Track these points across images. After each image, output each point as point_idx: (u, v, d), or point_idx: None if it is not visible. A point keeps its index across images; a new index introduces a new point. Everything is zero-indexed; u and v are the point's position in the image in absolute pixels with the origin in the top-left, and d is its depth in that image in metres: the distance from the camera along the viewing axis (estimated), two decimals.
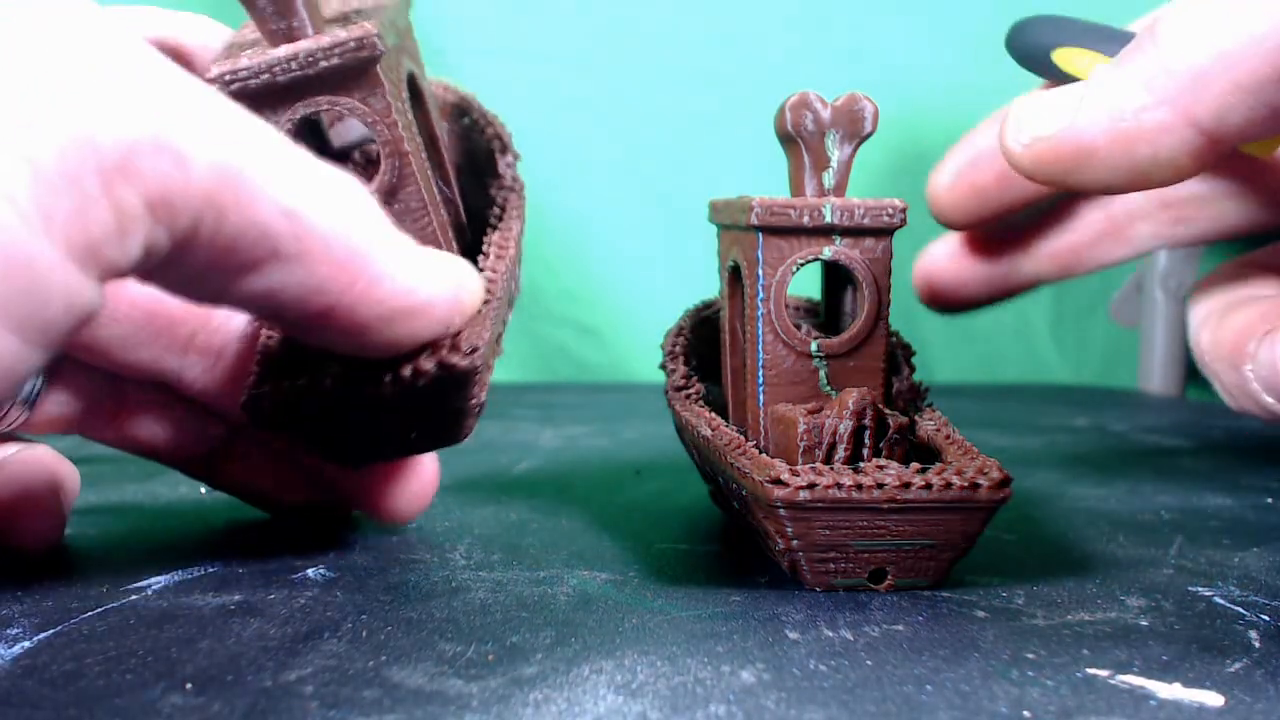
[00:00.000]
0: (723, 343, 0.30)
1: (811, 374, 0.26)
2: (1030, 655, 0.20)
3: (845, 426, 0.24)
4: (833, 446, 0.24)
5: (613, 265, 0.65)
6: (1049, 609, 0.23)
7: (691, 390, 0.30)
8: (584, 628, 0.21)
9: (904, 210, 0.26)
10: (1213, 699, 0.18)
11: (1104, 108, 0.25)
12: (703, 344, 0.32)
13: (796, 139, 0.26)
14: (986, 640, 0.21)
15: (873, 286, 0.26)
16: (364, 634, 0.21)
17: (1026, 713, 0.17)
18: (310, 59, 0.23)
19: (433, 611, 0.22)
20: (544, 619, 0.22)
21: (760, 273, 0.26)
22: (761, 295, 0.26)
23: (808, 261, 0.26)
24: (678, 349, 0.31)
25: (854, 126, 0.26)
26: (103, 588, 0.24)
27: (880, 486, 0.22)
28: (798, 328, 0.27)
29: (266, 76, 0.23)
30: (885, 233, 0.26)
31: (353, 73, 0.23)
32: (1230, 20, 0.23)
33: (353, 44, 0.23)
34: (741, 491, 0.24)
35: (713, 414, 0.27)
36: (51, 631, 0.21)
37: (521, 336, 0.66)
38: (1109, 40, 0.30)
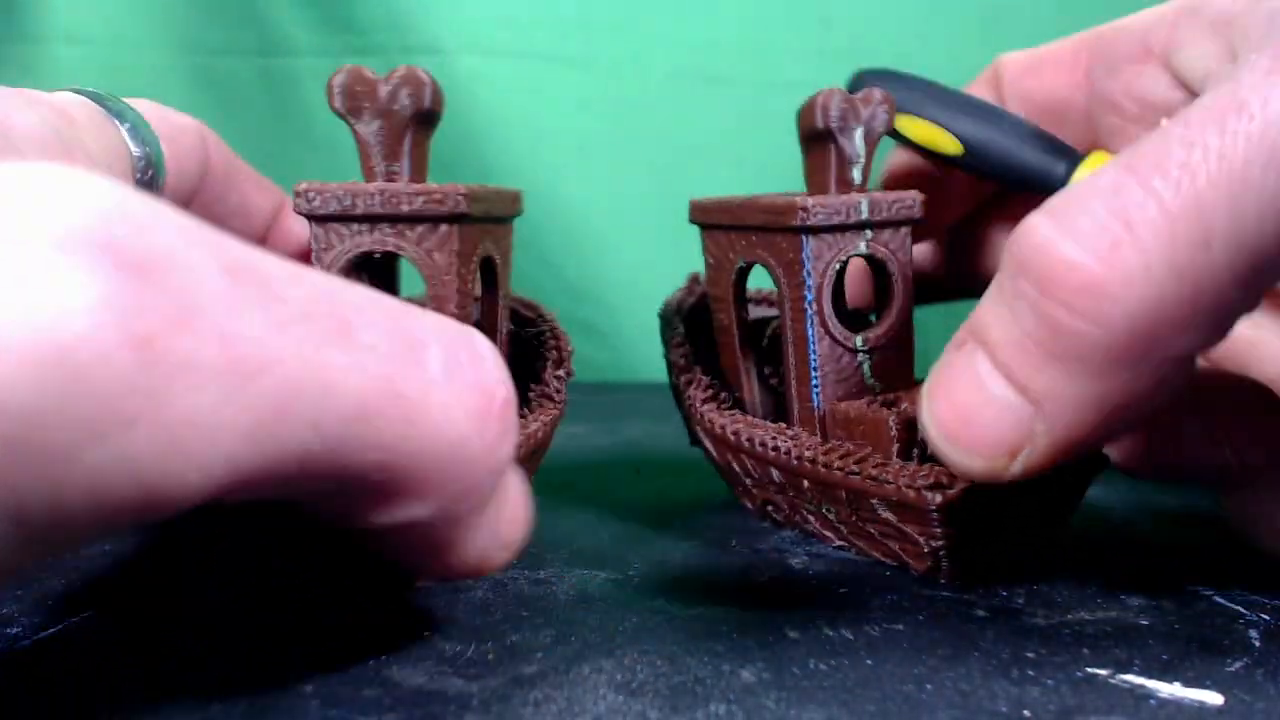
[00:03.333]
0: (721, 344, 0.30)
1: (856, 369, 0.27)
2: (1030, 654, 0.20)
3: None
4: (924, 442, 0.24)
5: (614, 263, 0.65)
6: (1049, 608, 0.23)
7: (719, 398, 0.29)
8: (584, 627, 0.21)
9: (924, 201, 0.27)
10: (1213, 698, 0.18)
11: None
12: (697, 340, 0.32)
13: (824, 136, 0.26)
14: (986, 639, 0.21)
15: (904, 278, 0.27)
16: (364, 632, 0.21)
17: (1026, 712, 0.17)
18: (394, 198, 0.24)
19: (433, 610, 0.22)
20: (544, 618, 0.22)
21: (809, 273, 0.26)
22: (811, 296, 0.26)
23: (848, 258, 0.26)
24: (686, 358, 0.31)
25: (876, 123, 0.26)
26: (103, 587, 0.24)
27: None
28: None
29: (348, 203, 0.24)
30: (907, 224, 0.27)
31: (428, 224, 0.24)
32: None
33: (438, 195, 0.24)
34: (855, 500, 0.25)
35: (763, 420, 0.28)
36: (51, 631, 0.21)
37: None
38: (951, 107, 0.30)
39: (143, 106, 0.27)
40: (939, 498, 0.23)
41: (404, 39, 0.61)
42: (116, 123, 0.26)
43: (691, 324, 0.32)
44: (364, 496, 0.16)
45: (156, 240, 0.13)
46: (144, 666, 0.19)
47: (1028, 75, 0.31)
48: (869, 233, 0.26)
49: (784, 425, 0.27)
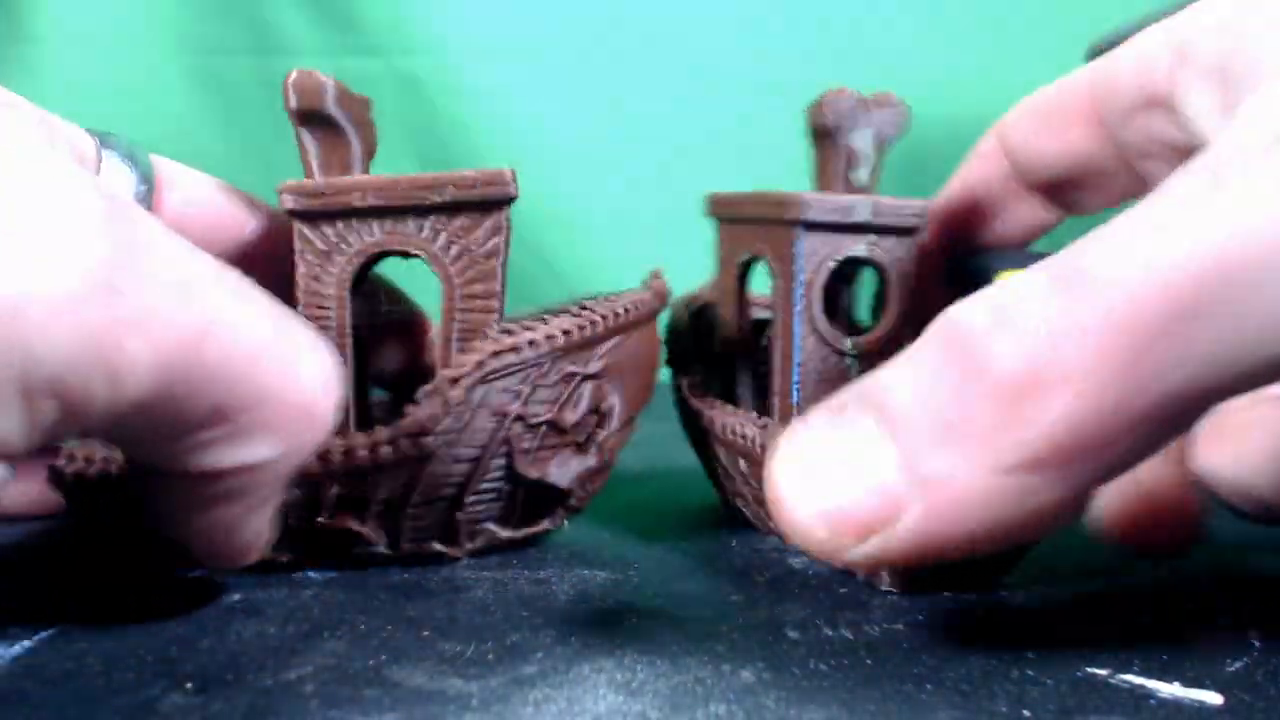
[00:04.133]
0: (721, 339, 0.30)
1: (842, 372, 0.27)
2: (1030, 654, 0.20)
3: None
4: None
5: (613, 263, 0.65)
6: (1048, 608, 0.23)
7: (708, 388, 0.30)
8: (584, 627, 0.21)
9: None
10: (1212, 698, 0.18)
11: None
12: (700, 337, 0.32)
13: (832, 134, 0.26)
14: (986, 639, 0.21)
15: (900, 284, 0.27)
16: (364, 633, 0.21)
17: (1026, 712, 0.17)
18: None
19: (433, 610, 0.22)
20: (544, 618, 0.22)
21: (800, 269, 0.26)
22: (800, 291, 0.26)
23: (843, 259, 0.26)
24: (685, 344, 0.31)
25: (887, 126, 0.26)
26: (104, 586, 0.24)
27: None
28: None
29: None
30: (911, 232, 0.27)
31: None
32: None
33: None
34: None
35: (748, 411, 0.27)
36: (52, 630, 0.21)
37: None
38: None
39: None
40: None
41: (404, 39, 0.61)
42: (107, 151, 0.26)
43: (699, 323, 0.32)
44: (223, 435, 0.18)
45: (122, 196, 0.18)
46: (144, 665, 0.19)
47: (1041, 136, 0.28)
48: (872, 236, 0.26)
49: (758, 416, 0.27)
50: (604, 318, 0.25)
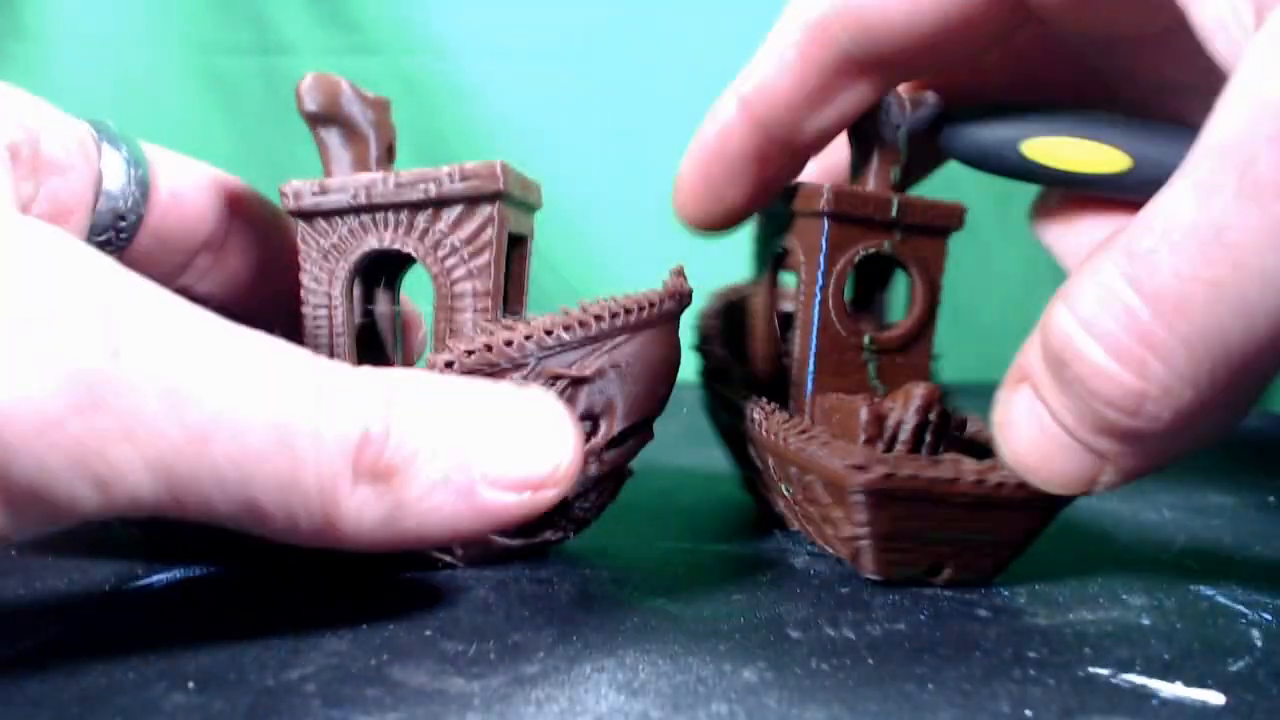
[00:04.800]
0: (752, 329, 0.30)
1: (860, 366, 0.27)
2: (1032, 654, 0.20)
3: (911, 419, 0.24)
4: (894, 438, 0.24)
5: (616, 262, 0.65)
6: (1050, 608, 0.23)
7: (732, 373, 0.29)
8: (586, 626, 0.21)
9: (964, 213, 0.27)
10: (1215, 698, 0.18)
11: None
12: (732, 329, 0.32)
13: (874, 133, 0.26)
14: (988, 639, 0.21)
15: (928, 285, 0.26)
16: (366, 632, 0.21)
17: (1028, 711, 0.17)
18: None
19: (435, 610, 0.22)
20: (545, 618, 0.22)
21: (822, 260, 0.26)
22: (821, 283, 0.26)
23: (869, 253, 0.26)
24: (713, 332, 0.31)
25: (920, 123, 0.26)
26: (105, 586, 0.24)
27: (960, 479, 0.22)
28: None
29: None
30: (942, 233, 0.26)
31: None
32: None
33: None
34: (803, 477, 0.24)
35: (761, 397, 0.27)
36: (53, 630, 0.21)
37: None
38: (1096, 125, 0.25)
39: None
40: (860, 478, 0.22)
41: (405, 39, 0.61)
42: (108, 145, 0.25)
43: (730, 316, 0.32)
44: (271, 523, 0.18)
45: (130, 284, 0.18)
46: (146, 664, 0.19)
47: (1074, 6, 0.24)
48: (898, 234, 0.26)
49: (769, 401, 0.27)
50: (597, 318, 0.24)
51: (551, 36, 0.64)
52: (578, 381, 0.24)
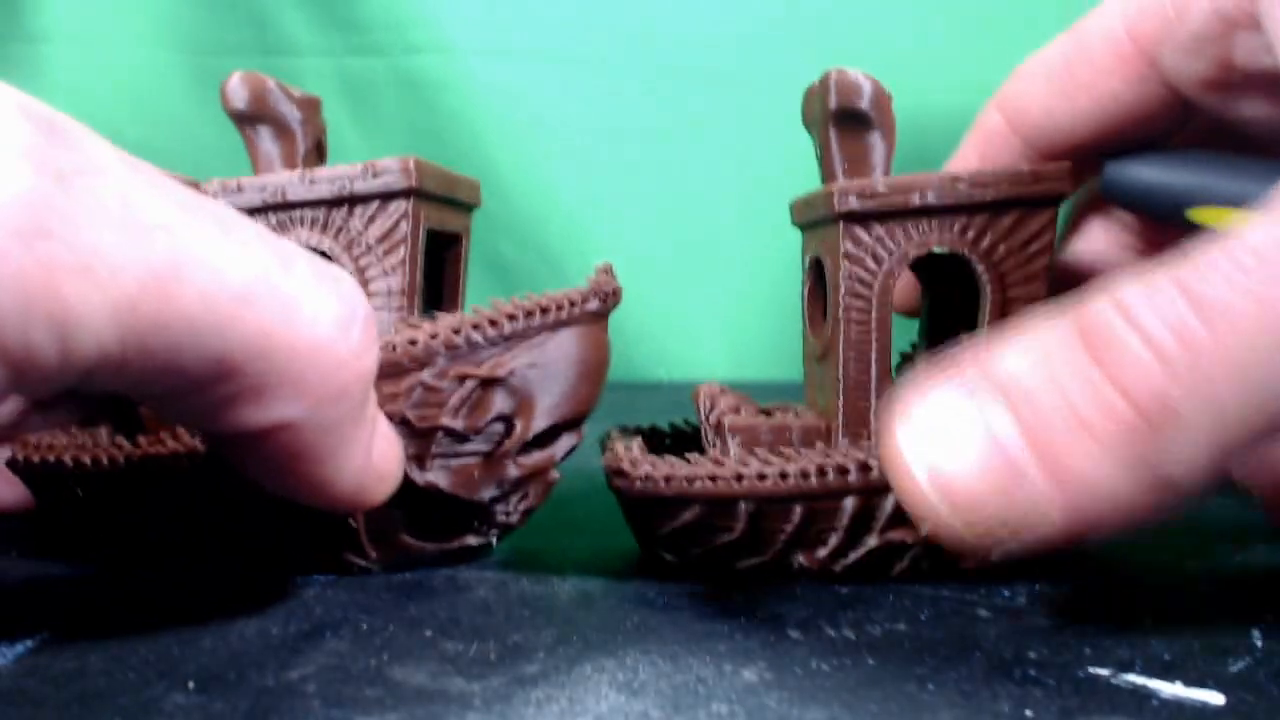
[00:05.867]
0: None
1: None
2: (1032, 654, 0.20)
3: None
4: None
5: (616, 262, 0.65)
6: (1051, 608, 0.23)
7: None
8: (586, 626, 0.21)
9: None
10: (1215, 698, 0.18)
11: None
12: None
13: (878, 124, 0.26)
14: (989, 639, 0.21)
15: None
16: (366, 632, 0.21)
17: (1029, 712, 0.17)
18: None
19: (435, 610, 0.22)
20: (546, 618, 0.22)
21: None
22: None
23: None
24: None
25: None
26: (106, 585, 0.24)
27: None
28: None
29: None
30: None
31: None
32: None
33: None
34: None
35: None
36: (53, 630, 0.21)
37: None
38: (1242, 178, 0.24)
39: None
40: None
41: (405, 38, 0.61)
42: None
43: None
44: (238, 391, 0.17)
45: (63, 118, 0.16)
46: (146, 665, 0.19)
47: (1061, 98, 0.26)
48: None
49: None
50: (510, 317, 0.23)
51: (552, 36, 0.64)
52: (488, 382, 0.24)
